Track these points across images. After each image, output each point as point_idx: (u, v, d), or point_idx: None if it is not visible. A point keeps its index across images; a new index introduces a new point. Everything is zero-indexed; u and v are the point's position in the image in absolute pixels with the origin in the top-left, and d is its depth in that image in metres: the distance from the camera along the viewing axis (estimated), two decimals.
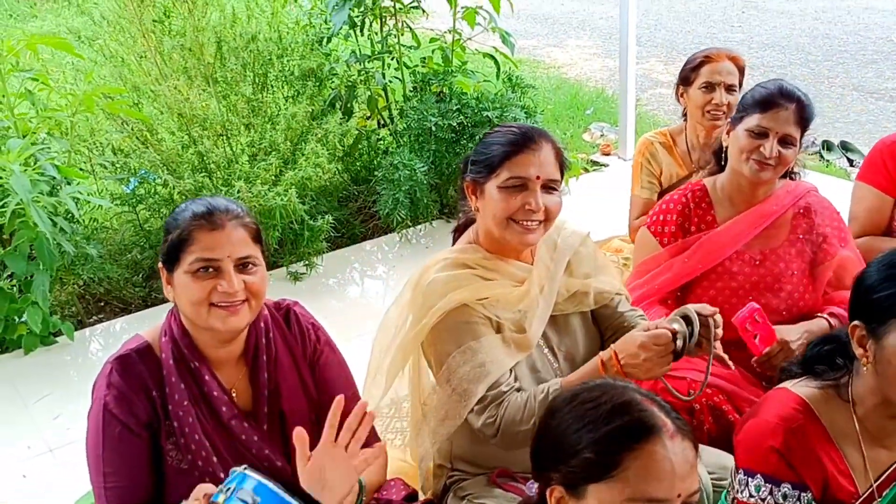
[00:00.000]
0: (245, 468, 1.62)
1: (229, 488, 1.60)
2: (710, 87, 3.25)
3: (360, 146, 4.67)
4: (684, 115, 3.47)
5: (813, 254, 2.56)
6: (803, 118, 2.45)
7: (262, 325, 1.96)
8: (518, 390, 2.08)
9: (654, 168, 3.43)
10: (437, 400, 2.20)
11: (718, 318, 1.97)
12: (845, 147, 5.50)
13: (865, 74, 7.36)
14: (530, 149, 2.07)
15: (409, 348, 2.20)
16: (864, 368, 1.63)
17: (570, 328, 2.23)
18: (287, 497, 1.58)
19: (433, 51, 4.67)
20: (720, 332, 1.98)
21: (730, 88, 3.24)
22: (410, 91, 4.62)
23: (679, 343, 1.90)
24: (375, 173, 4.38)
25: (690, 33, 9.15)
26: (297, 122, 4.15)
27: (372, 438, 2.06)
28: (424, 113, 4.29)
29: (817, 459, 1.66)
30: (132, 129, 4.08)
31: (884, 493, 1.67)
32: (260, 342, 1.94)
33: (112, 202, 4.12)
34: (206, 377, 1.88)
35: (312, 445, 1.72)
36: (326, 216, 4.00)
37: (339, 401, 1.72)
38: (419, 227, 4.58)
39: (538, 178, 2.05)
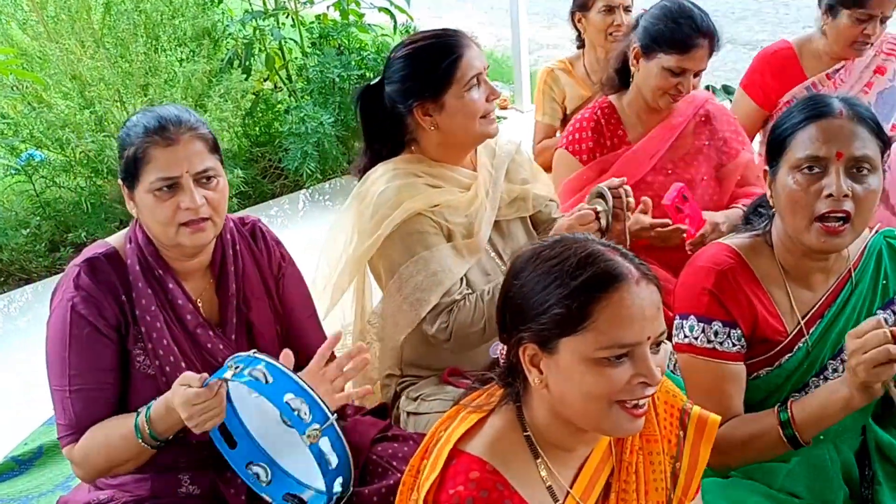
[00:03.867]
0: (254, 352, 1.62)
1: (238, 366, 1.59)
2: (609, 9, 3.37)
3: (259, 108, 4.62)
4: (580, 41, 3.58)
5: (717, 158, 2.70)
6: (713, 49, 2.53)
7: (228, 237, 1.95)
8: (467, 296, 2.13)
9: (557, 94, 3.54)
10: (386, 311, 2.23)
11: (628, 188, 2.09)
12: (726, 90, 5.78)
13: (737, 29, 7.73)
14: (466, 46, 2.12)
15: (361, 261, 2.22)
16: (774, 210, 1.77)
17: (513, 232, 2.30)
18: (298, 379, 1.59)
19: (328, 6, 4.65)
20: (632, 200, 2.08)
21: (627, 9, 3.37)
22: (309, 47, 4.59)
23: (604, 221, 2.00)
24: (280, 130, 4.34)
25: (566, 0, 9.41)
26: (197, 80, 4.08)
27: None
28: (327, 66, 4.27)
29: (747, 300, 1.78)
30: (23, 94, 3.91)
31: (811, 331, 1.80)
32: (227, 253, 1.94)
33: (4, 174, 3.95)
34: (171, 285, 1.86)
35: (274, 353, 1.73)
36: (236, 171, 3.94)
37: (337, 334, 1.79)
38: (327, 183, 4.56)
39: (485, 67, 2.12)
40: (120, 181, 1.84)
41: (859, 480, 1.83)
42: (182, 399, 1.62)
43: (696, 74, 2.55)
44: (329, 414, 1.56)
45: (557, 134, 3.56)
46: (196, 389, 1.62)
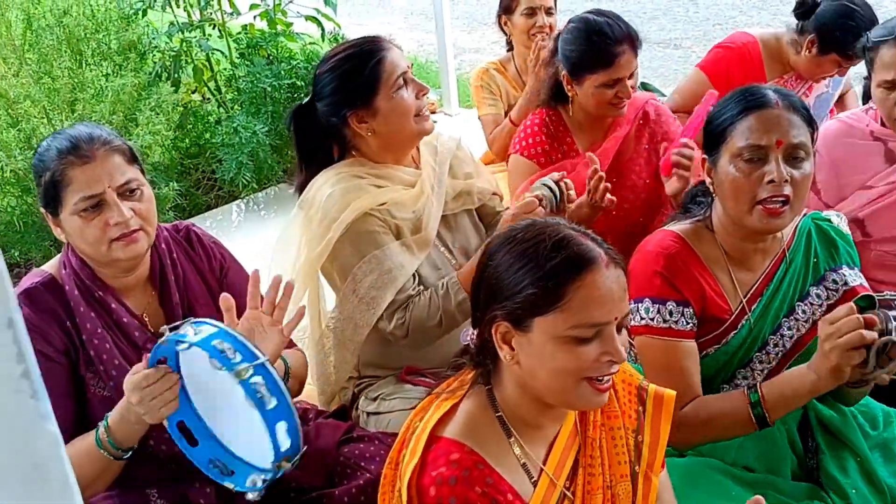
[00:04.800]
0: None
1: (198, 332, 1.55)
2: (531, 11, 3.46)
3: (189, 120, 4.58)
4: (509, 43, 3.67)
5: (659, 157, 2.76)
6: (636, 49, 2.60)
7: (164, 246, 1.95)
8: (421, 291, 2.18)
9: (495, 88, 3.61)
10: (342, 314, 2.26)
11: (568, 181, 2.16)
12: (645, 87, 5.96)
13: (650, 29, 7.96)
14: (386, 50, 2.17)
15: (314, 268, 2.24)
16: (715, 196, 1.87)
17: (461, 226, 2.35)
18: (224, 327, 1.58)
19: (255, 16, 4.64)
20: (573, 193, 2.17)
21: (549, 11, 3.47)
22: (237, 58, 4.57)
23: (548, 208, 2.08)
24: (212, 141, 4.31)
25: (486, 5, 9.53)
26: (126, 94, 4.02)
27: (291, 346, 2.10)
28: (257, 76, 4.27)
29: (695, 281, 1.88)
30: None
31: (752, 309, 1.91)
32: (164, 263, 1.93)
33: None
34: (113, 305, 1.85)
35: None
36: (170, 184, 3.91)
37: (255, 273, 1.78)
38: (263, 193, 4.55)
39: (409, 66, 2.18)
40: (42, 209, 1.83)
41: (804, 451, 1.95)
42: (130, 385, 1.59)
43: (630, 76, 2.62)
44: (259, 354, 1.54)
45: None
46: (143, 371, 1.59)
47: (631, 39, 2.56)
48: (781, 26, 3.32)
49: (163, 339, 1.57)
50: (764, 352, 1.93)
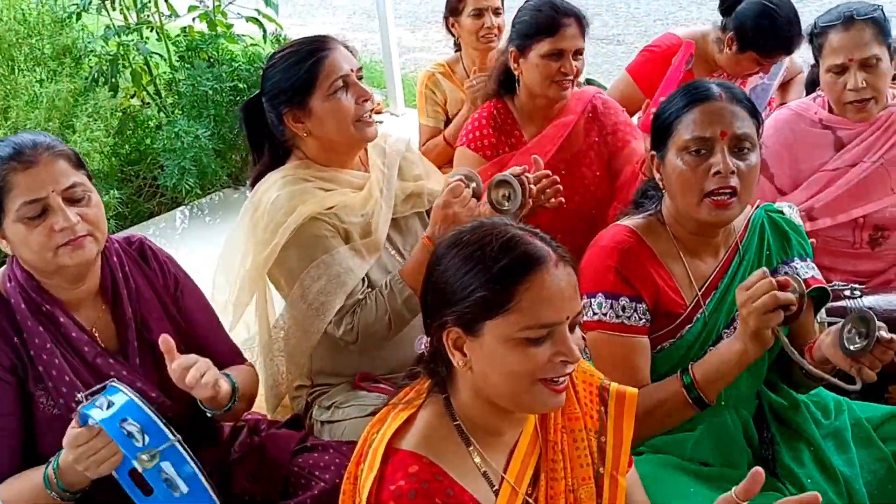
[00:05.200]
0: (112, 381, 1.59)
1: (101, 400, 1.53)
2: (479, 12, 3.43)
3: (128, 125, 4.47)
4: (457, 45, 3.65)
5: (608, 150, 2.79)
6: (584, 27, 2.63)
7: (115, 259, 1.88)
8: (366, 296, 2.14)
9: (439, 97, 3.58)
10: (291, 320, 2.21)
11: (530, 175, 2.14)
12: (589, 82, 5.99)
13: (593, 25, 8.01)
14: (330, 49, 2.13)
15: (260, 273, 2.20)
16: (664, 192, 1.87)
17: (411, 228, 2.32)
18: (138, 401, 1.56)
19: (194, 18, 4.55)
20: (534, 188, 2.14)
21: (496, 11, 3.46)
22: (177, 61, 4.48)
23: (473, 187, 2.06)
24: (153, 147, 4.21)
25: (428, 4, 9.50)
26: (61, 100, 3.91)
27: (238, 359, 2.05)
28: (198, 79, 4.18)
29: (649, 275, 1.87)
30: None
31: (707, 302, 1.91)
32: (116, 276, 1.87)
33: None
34: (62, 318, 1.78)
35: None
36: (111, 191, 3.81)
37: (164, 339, 1.71)
38: (208, 198, 4.46)
39: (352, 70, 2.13)
40: None
41: (759, 443, 1.95)
42: (66, 441, 1.56)
43: (577, 56, 2.62)
44: (169, 434, 1.51)
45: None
46: (75, 430, 1.56)
47: (578, 18, 2.61)
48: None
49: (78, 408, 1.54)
50: (717, 345, 1.92)
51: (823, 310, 2.27)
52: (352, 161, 2.23)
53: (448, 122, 3.59)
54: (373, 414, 2.06)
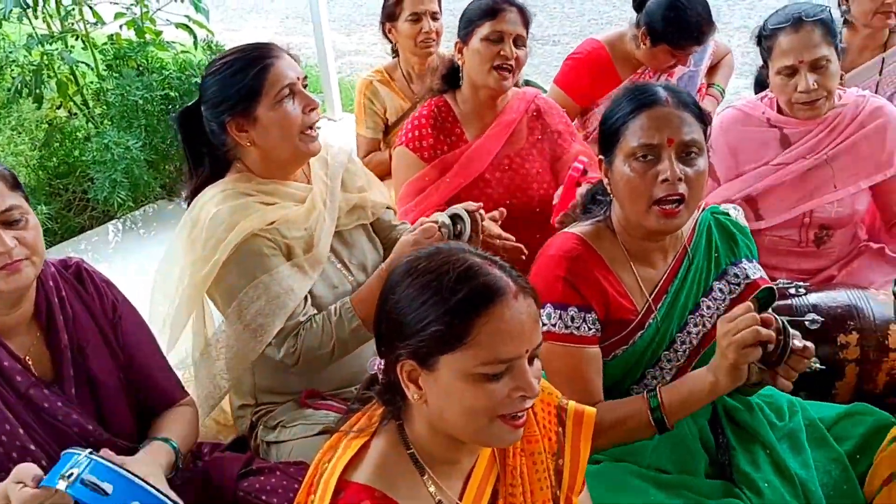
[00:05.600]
0: (90, 452, 1.50)
1: (72, 472, 1.46)
2: (416, 17, 3.39)
3: (55, 138, 4.31)
4: (394, 51, 3.59)
5: (551, 151, 2.79)
6: (526, 18, 2.65)
7: (51, 283, 1.78)
8: (312, 317, 2.07)
9: (378, 107, 3.52)
10: (227, 338, 2.13)
11: (482, 212, 2.12)
12: (528, 83, 6.00)
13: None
14: (275, 57, 2.06)
15: (199, 291, 2.11)
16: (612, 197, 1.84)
17: (356, 241, 2.26)
18: (141, 482, 1.48)
19: (121, 26, 4.40)
20: (486, 224, 2.12)
21: (434, 16, 3.41)
22: (104, 70, 4.33)
23: (446, 233, 2.01)
24: (82, 159, 4.06)
25: (362, 6, 9.43)
26: None
27: (178, 393, 1.97)
28: (127, 88, 4.04)
29: (598, 284, 1.84)
30: None
31: (658, 307, 1.89)
32: (52, 302, 1.77)
33: None
34: None
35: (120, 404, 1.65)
36: (39, 207, 3.65)
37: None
38: (141, 210, 4.33)
39: (298, 78, 2.05)
40: None
41: (715, 447, 1.94)
42: (18, 501, 1.48)
43: (518, 44, 2.62)
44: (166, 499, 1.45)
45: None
46: (31, 491, 1.48)
47: (520, 8, 2.64)
48: None
49: (63, 487, 1.46)
50: (672, 350, 1.91)
51: (771, 308, 2.28)
52: (294, 173, 2.16)
53: (388, 130, 3.53)
54: (321, 433, 2.03)
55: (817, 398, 2.19)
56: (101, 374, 1.81)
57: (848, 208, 2.59)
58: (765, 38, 2.55)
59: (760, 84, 2.90)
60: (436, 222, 2.02)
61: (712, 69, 3.65)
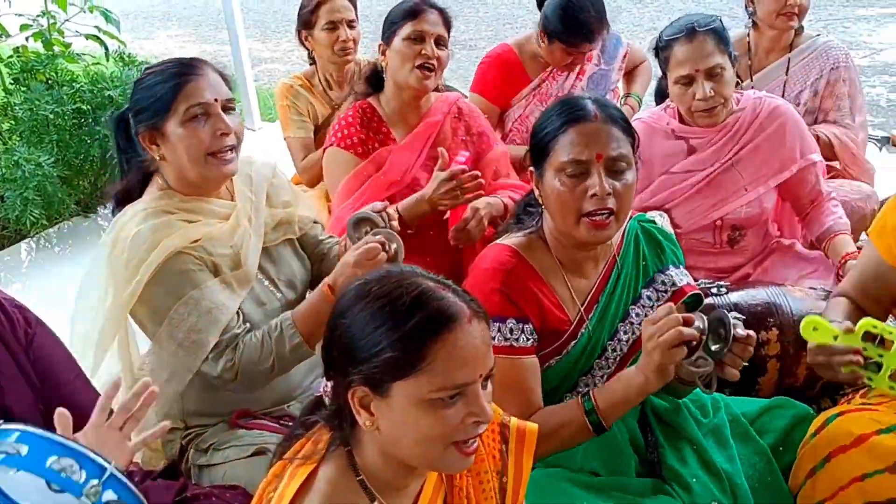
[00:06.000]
0: (1, 423, 1.41)
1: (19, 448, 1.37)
2: (332, 25, 3.37)
3: None
4: (311, 58, 3.56)
5: (475, 152, 2.82)
6: (447, 20, 2.68)
7: None
8: (249, 330, 2.04)
9: (302, 108, 3.48)
10: (158, 361, 2.09)
11: (391, 211, 2.13)
12: (448, 88, 6.03)
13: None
14: (197, 75, 2.02)
15: (122, 313, 2.06)
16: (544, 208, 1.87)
17: (283, 257, 2.24)
18: (59, 438, 1.39)
19: (27, 38, 4.26)
20: (396, 224, 2.12)
21: (350, 23, 3.40)
22: (11, 84, 4.18)
23: (392, 251, 2.00)
24: None
25: (277, 13, 9.33)
26: None
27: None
28: (36, 102, 3.91)
29: (533, 295, 1.87)
30: None
31: (590, 316, 1.93)
32: None
33: None
34: None
35: None
36: None
37: (116, 381, 1.62)
38: (55, 228, 4.19)
39: (216, 100, 2.01)
40: None
41: (644, 446, 1.98)
42: None
43: (439, 45, 2.65)
44: (106, 464, 1.40)
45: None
46: None
47: (441, 11, 2.68)
48: None
49: None
50: (603, 358, 1.95)
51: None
52: (216, 190, 2.12)
53: (317, 130, 3.49)
54: (255, 454, 2.01)
55: (741, 394, 2.27)
56: (18, 406, 1.74)
57: (757, 208, 2.68)
58: (661, 50, 2.63)
59: (661, 94, 2.99)
60: (380, 241, 2.00)
61: (629, 76, 3.72)
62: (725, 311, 1.72)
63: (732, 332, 1.69)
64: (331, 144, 2.76)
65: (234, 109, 2.07)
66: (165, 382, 2.08)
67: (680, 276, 2.02)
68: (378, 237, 2.00)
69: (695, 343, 1.69)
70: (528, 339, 1.84)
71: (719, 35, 2.55)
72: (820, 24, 3.18)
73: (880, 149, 4.13)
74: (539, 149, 1.86)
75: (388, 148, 2.72)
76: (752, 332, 1.73)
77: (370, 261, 1.95)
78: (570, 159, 1.79)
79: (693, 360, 1.71)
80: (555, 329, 1.89)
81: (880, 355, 1.78)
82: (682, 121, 2.68)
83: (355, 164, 2.70)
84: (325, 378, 1.38)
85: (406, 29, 2.62)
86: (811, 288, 2.54)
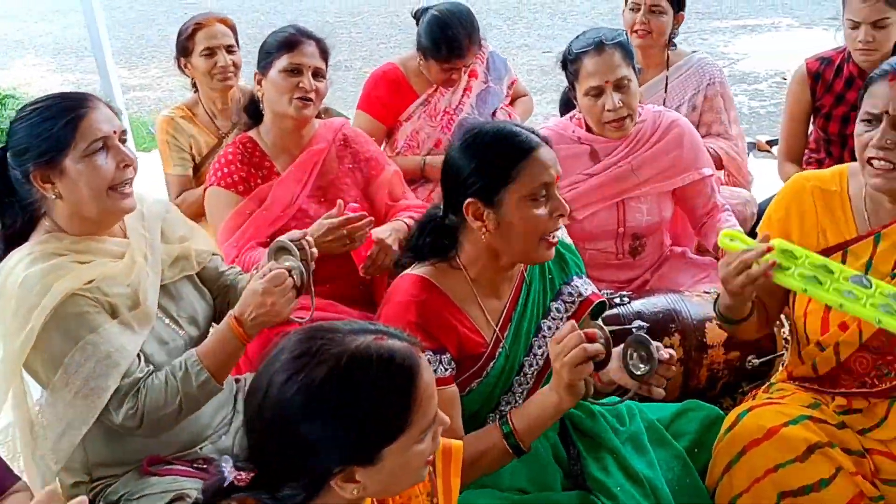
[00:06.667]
0: None
1: None
2: (210, 51, 3.29)
3: None
4: (194, 86, 3.47)
5: (364, 178, 2.80)
6: (324, 51, 2.66)
7: None
8: (152, 372, 1.96)
9: (183, 143, 3.38)
10: (53, 411, 1.97)
11: (310, 238, 2.07)
12: (328, 111, 5.98)
13: None
14: (89, 108, 1.93)
15: (15, 366, 1.92)
16: (483, 236, 1.86)
17: (183, 294, 2.15)
18: None
19: None
20: (315, 251, 2.07)
21: (230, 49, 3.33)
22: None
23: (297, 278, 1.95)
24: None
25: (141, 38, 9.05)
26: None
27: (8, 480, 1.80)
28: None
29: (449, 323, 1.87)
30: None
31: (505, 335, 1.95)
32: None
33: None
34: None
35: None
36: None
37: None
38: None
39: (114, 132, 1.93)
40: None
41: (567, 459, 2.01)
42: None
43: (317, 76, 2.62)
44: None
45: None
46: None
47: (318, 41, 2.65)
48: None
49: None
50: (521, 374, 1.97)
51: (601, 318, 2.40)
52: (111, 227, 2.03)
53: (197, 167, 3.40)
54: (173, 501, 1.92)
55: (648, 400, 2.33)
56: None
57: (656, 216, 2.78)
58: (570, 63, 2.69)
59: (566, 104, 3.06)
60: (285, 267, 1.96)
61: (513, 103, 3.75)
62: (645, 336, 1.78)
63: (657, 356, 1.75)
64: (211, 184, 2.69)
65: (126, 141, 1.99)
66: (61, 435, 1.96)
67: (585, 286, 2.07)
68: (286, 264, 1.97)
69: (600, 358, 1.73)
70: (445, 370, 1.84)
71: (625, 48, 2.64)
72: (678, 37, 3.39)
73: (748, 155, 4.36)
74: (495, 181, 1.85)
75: (270, 184, 2.66)
76: (673, 353, 1.79)
77: (278, 287, 1.90)
78: (540, 183, 1.84)
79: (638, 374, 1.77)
80: (473, 353, 1.90)
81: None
82: (588, 131, 2.75)
83: (236, 202, 2.63)
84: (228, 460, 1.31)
85: (282, 61, 2.59)
86: (706, 292, 2.65)
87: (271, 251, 2.02)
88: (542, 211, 1.85)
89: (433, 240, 1.97)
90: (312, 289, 2.07)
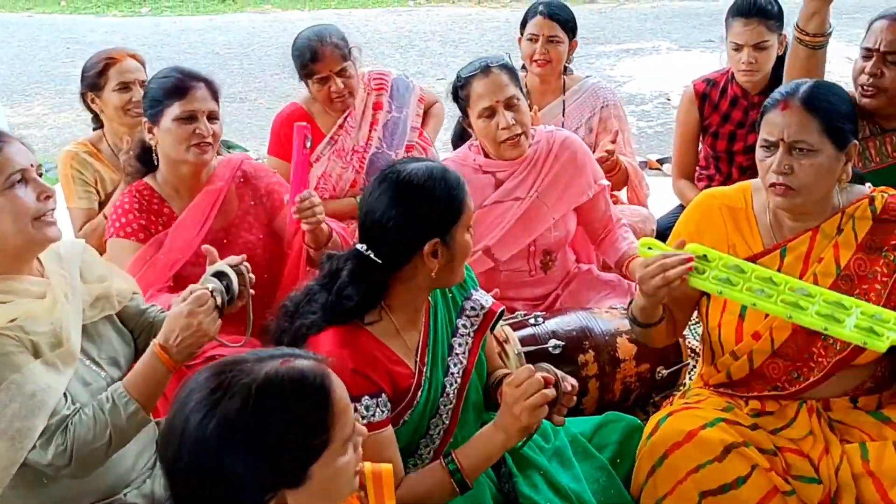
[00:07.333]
0: None
1: None
2: (124, 86, 3.23)
3: None
4: (96, 121, 3.40)
5: (266, 214, 2.79)
6: (215, 92, 2.63)
7: None
8: (78, 410, 1.91)
9: (88, 177, 3.30)
10: None
11: (247, 264, 2.10)
12: (228, 145, 5.90)
13: None
14: (3, 142, 1.91)
15: None
16: (433, 273, 1.89)
17: (104, 335, 2.11)
18: None
19: None
20: (253, 277, 2.09)
21: (143, 84, 3.28)
22: None
23: (219, 299, 1.97)
24: None
25: (23, 74, 8.74)
26: None
27: None
28: None
29: (380, 363, 1.90)
30: None
31: (426, 361, 1.99)
32: None
33: None
34: None
35: None
36: None
37: None
38: None
39: (32, 165, 1.92)
40: None
41: (498, 479, 2.05)
42: None
43: (211, 119, 2.60)
44: None
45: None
46: None
47: (207, 82, 2.63)
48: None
49: None
50: (444, 395, 2.01)
51: (518, 342, 2.48)
52: (27, 267, 1.98)
53: (101, 204, 3.32)
54: None
55: (568, 415, 2.41)
56: None
57: (563, 231, 2.89)
58: (460, 89, 2.79)
59: (460, 136, 3.14)
60: (207, 288, 1.95)
61: (424, 120, 3.73)
62: (550, 366, 1.91)
63: (561, 387, 1.87)
64: (110, 236, 2.65)
65: (43, 175, 1.97)
66: None
67: (485, 298, 2.13)
68: (209, 286, 1.97)
69: (552, 398, 1.82)
70: (383, 412, 1.86)
71: (511, 70, 2.76)
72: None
73: None
74: (448, 221, 1.90)
75: (165, 232, 2.63)
76: (575, 383, 1.91)
77: (202, 307, 1.91)
78: (472, 211, 1.95)
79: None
80: (403, 388, 1.93)
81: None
82: (486, 156, 2.83)
83: (136, 250, 2.59)
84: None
85: (174, 109, 2.54)
86: (612, 308, 2.76)
87: (206, 276, 2.01)
88: (469, 236, 1.92)
89: (367, 287, 1.91)
90: (251, 314, 2.09)
